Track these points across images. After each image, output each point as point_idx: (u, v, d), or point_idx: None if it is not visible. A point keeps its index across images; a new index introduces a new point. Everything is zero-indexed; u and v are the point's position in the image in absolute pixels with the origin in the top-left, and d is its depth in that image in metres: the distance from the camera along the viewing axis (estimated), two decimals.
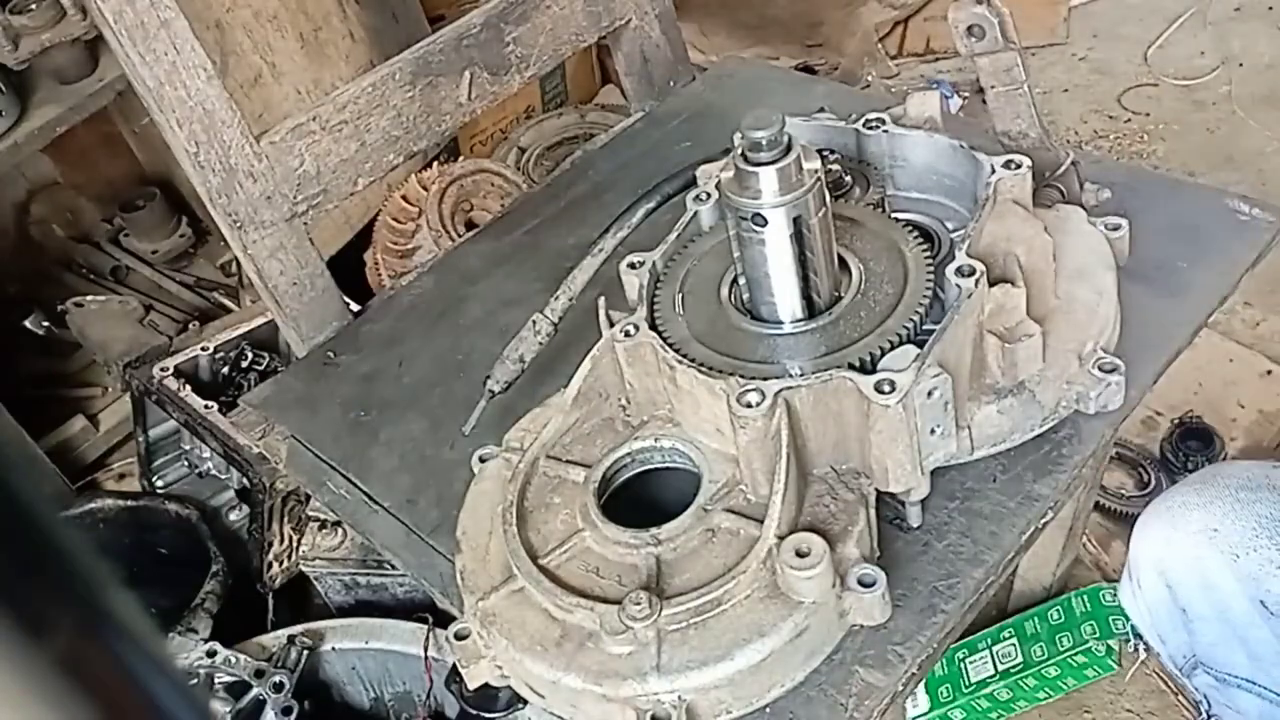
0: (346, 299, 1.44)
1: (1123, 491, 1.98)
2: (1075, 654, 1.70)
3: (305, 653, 1.70)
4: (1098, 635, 1.70)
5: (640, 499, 1.00)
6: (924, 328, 0.96)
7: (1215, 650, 1.32)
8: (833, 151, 1.16)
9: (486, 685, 0.96)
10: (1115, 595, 1.69)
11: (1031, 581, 1.85)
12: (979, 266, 0.94)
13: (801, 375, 0.91)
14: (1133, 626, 1.51)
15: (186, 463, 2.25)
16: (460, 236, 2.04)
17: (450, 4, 2.96)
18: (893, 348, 0.92)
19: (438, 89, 1.44)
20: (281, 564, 1.94)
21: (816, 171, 0.94)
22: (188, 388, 2.01)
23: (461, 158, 2.69)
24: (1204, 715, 1.44)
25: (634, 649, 0.86)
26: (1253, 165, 2.80)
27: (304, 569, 1.92)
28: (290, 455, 1.30)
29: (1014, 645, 1.77)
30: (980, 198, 1.04)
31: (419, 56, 1.42)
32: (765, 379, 0.91)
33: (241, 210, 1.29)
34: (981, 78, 1.13)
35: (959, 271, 0.94)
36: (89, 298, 2.64)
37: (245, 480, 1.94)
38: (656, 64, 1.71)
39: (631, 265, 1.07)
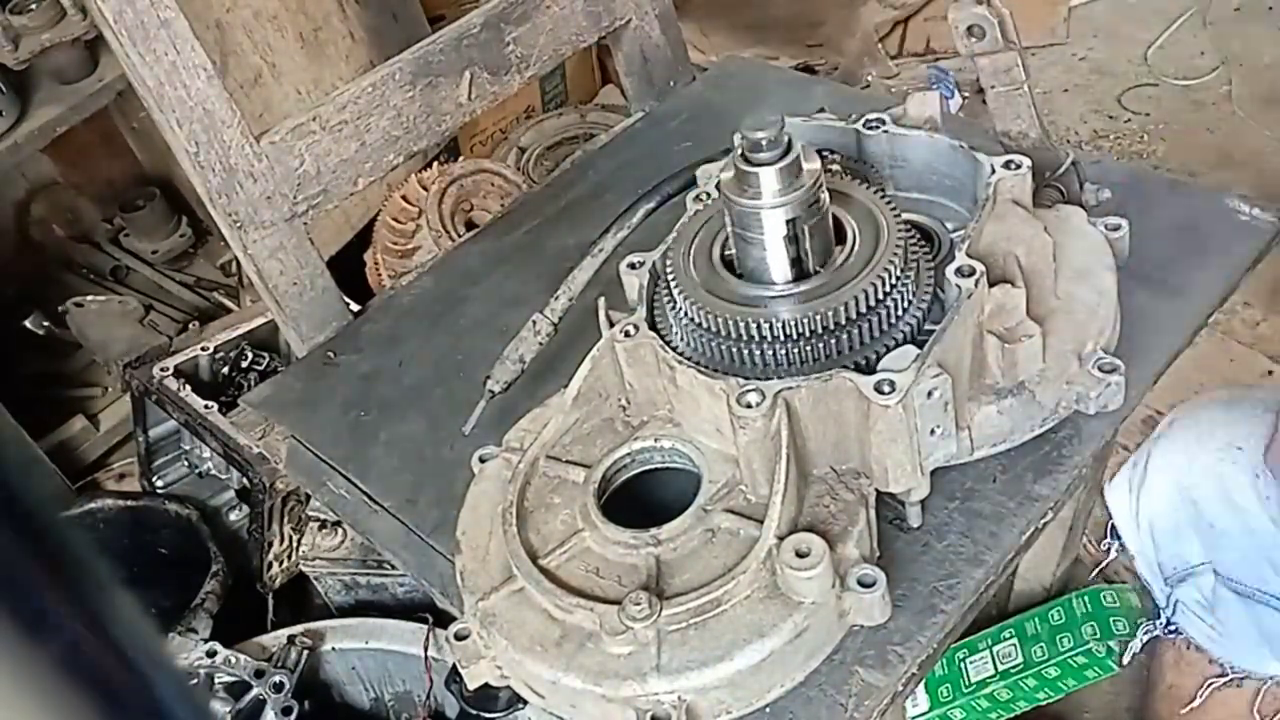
0: (346, 299, 1.44)
1: None
2: (1075, 655, 1.70)
3: (305, 653, 1.70)
4: (1098, 636, 1.70)
5: (640, 499, 1.00)
6: (924, 328, 0.96)
7: (1243, 566, 1.32)
8: (833, 151, 1.16)
9: (486, 685, 0.96)
10: (1116, 596, 1.69)
11: (1031, 581, 1.85)
12: (979, 267, 0.94)
13: (791, 371, 0.91)
14: (1111, 526, 1.51)
15: (186, 463, 2.25)
16: (460, 236, 2.04)
17: (450, 4, 2.96)
18: (893, 348, 0.92)
19: (438, 89, 1.44)
20: (281, 564, 1.94)
21: (816, 172, 0.94)
22: (188, 388, 2.01)
23: (461, 158, 2.69)
24: (1164, 620, 1.44)
25: (634, 649, 0.86)
26: (1253, 165, 2.80)
27: (304, 569, 1.92)
28: (290, 455, 1.30)
29: (1014, 645, 1.77)
30: (980, 198, 1.04)
31: (419, 56, 1.42)
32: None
33: (241, 210, 1.29)
34: (981, 78, 1.13)
35: (959, 272, 0.94)
36: (89, 298, 2.64)
37: (245, 480, 1.94)
38: (656, 64, 1.71)
39: (631, 265, 1.07)
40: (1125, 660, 1.60)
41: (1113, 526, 1.52)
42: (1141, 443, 1.47)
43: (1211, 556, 1.35)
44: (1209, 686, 1.45)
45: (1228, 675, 1.43)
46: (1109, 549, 1.69)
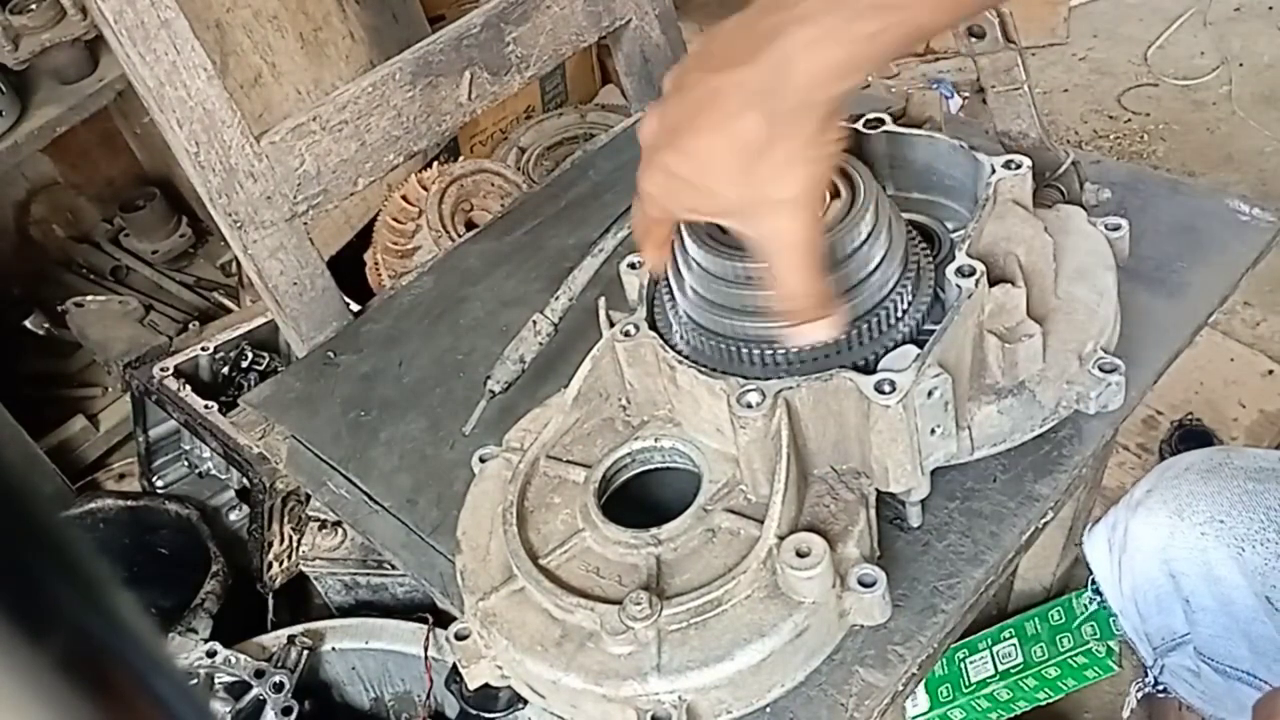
0: (346, 299, 1.44)
1: None
2: (1076, 655, 1.70)
3: (305, 653, 1.70)
4: (1098, 636, 1.70)
5: (640, 499, 1.00)
6: (924, 328, 0.96)
7: (1217, 642, 1.31)
8: None
9: (486, 685, 0.96)
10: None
11: (1031, 581, 1.85)
12: (979, 266, 0.94)
13: (792, 371, 0.91)
14: (1092, 581, 1.51)
15: (186, 463, 2.25)
16: (460, 236, 2.04)
17: (450, 4, 2.96)
18: (893, 348, 0.92)
19: (438, 89, 1.44)
20: (281, 564, 1.94)
21: None
22: (188, 388, 2.01)
23: (461, 158, 2.69)
24: (1151, 679, 1.44)
25: (634, 649, 0.86)
26: (1253, 165, 2.80)
27: (304, 569, 1.92)
28: (290, 455, 1.30)
29: (1014, 645, 1.77)
30: (980, 198, 1.04)
31: (419, 56, 1.42)
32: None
33: (241, 210, 1.29)
34: (981, 78, 1.13)
35: (959, 271, 0.94)
36: (89, 298, 2.64)
37: (245, 480, 1.94)
38: (656, 64, 1.71)
39: (631, 265, 1.07)
40: (1124, 715, 1.59)
41: (1093, 581, 1.51)
42: (1122, 496, 1.45)
43: (1189, 631, 1.34)
44: None
45: None
46: (1089, 603, 1.69)
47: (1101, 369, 0.98)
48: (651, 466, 1.01)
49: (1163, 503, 1.31)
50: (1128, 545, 1.36)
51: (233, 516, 2.22)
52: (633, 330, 0.99)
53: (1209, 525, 1.25)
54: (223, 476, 2.20)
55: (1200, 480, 1.29)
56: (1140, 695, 1.52)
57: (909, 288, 0.96)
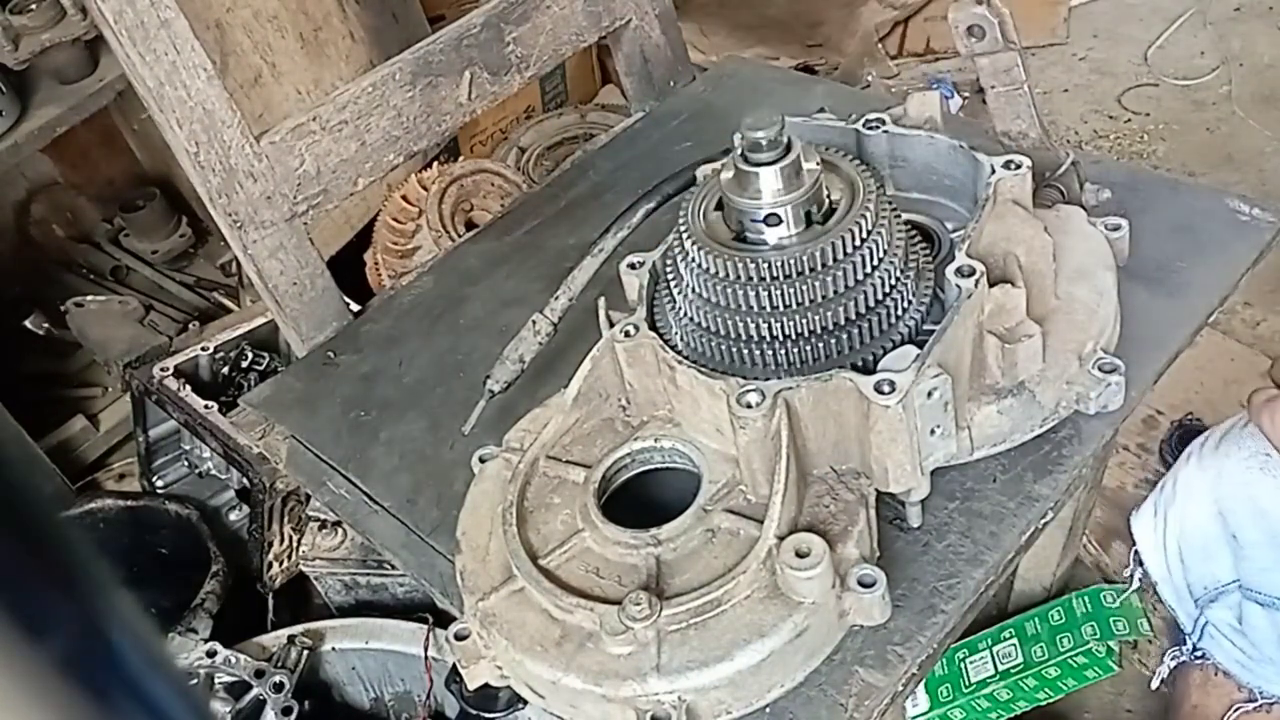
0: (346, 299, 1.44)
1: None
2: (1076, 655, 1.70)
3: (305, 653, 1.70)
4: (1098, 636, 1.70)
5: (640, 499, 1.00)
6: (924, 328, 0.96)
7: (1265, 576, 1.32)
8: (837, 151, 1.16)
9: (486, 685, 0.96)
10: (1116, 596, 1.69)
11: (1032, 581, 1.85)
12: (979, 267, 0.94)
13: (791, 371, 0.91)
14: (1135, 553, 1.51)
15: (186, 463, 2.25)
16: (460, 236, 2.04)
17: (450, 4, 2.96)
18: (893, 348, 0.92)
19: (438, 89, 1.44)
20: (281, 564, 1.94)
21: (816, 172, 0.94)
22: (188, 388, 2.01)
23: (461, 158, 2.69)
24: (1189, 647, 1.44)
25: (634, 649, 0.86)
26: (1253, 165, 2.80)
27: (304, 569, 1.92)
28: (290, 455, 1.30)
29: (1014, 645, 1.77)
30: (980, 198, 1.04)
31: (419, 56, 1.42)
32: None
33: (241, 210, 1.29)
34: (981, 78, 1.13)
35: (959, 272, 0.94)
36: (89, 298, 2.64)
37: (245, 480, 1.94)
38: (656, 64, 1.71)
39: (631, 265, 1.07)
40: (1153, 685, 1.59)
41: (1136, 554, 1.51)
42: (1167, 472, 1.47)
43: (1237, 569, 1.35)
44: (1235, 709, 1.44)
45: (1256, 700, 1.42)
46: (1132, 576, 1.67)
47: (1101, 369, 0.98)
48: (651, 466, 1.01)
49: (1212, 447, 1.34)
50: (1176, 496, 1.38)
51: (233, 516, 2.22)
52: (633, 330, 0.99)
53: (1254, 459, 1.28)
54: (223, 476, 2.20)
55: (1242, 424, 1.33)
56: (1175, 664, 1.51)
57: (909, 288, 0.96)
